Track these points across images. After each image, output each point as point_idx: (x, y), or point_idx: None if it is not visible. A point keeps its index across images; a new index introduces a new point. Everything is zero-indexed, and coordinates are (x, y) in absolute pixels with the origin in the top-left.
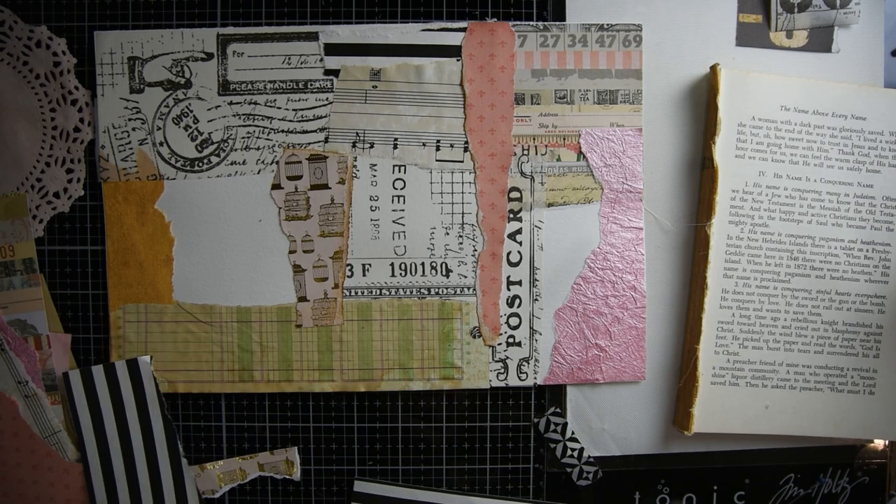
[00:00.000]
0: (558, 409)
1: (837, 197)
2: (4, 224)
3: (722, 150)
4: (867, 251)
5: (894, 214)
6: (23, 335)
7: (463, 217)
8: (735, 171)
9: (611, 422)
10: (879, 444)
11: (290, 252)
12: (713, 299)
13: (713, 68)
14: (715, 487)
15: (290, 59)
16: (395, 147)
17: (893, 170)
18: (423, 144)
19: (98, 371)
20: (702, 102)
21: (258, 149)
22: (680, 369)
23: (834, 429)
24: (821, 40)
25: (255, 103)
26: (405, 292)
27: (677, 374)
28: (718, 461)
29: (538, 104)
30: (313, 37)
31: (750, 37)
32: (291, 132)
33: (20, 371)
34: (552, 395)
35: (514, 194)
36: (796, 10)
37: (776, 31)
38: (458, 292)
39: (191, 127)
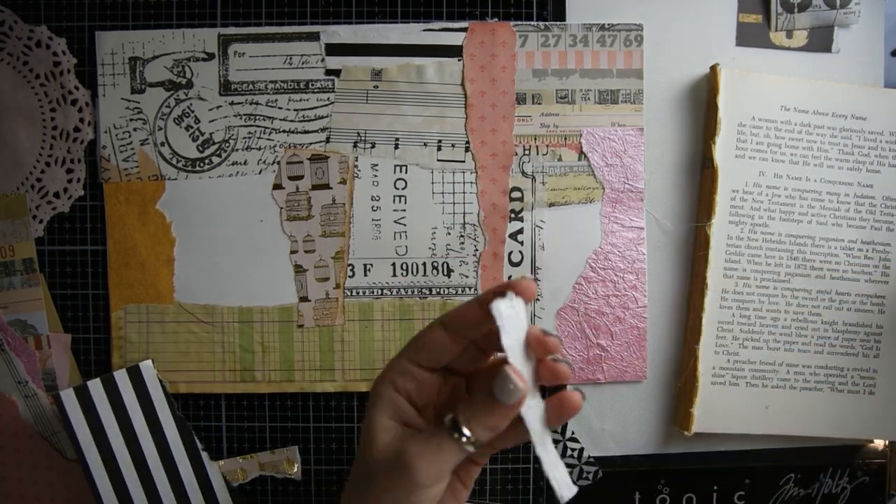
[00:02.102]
0: None
1: (837, 197)
2: (4, 224)
3: (722, 150)
4: (867, 251)
5: (894, 214)
6: (23, 335)
7: (464, 217)
8: (735, 171)
9: (611, 422)
10: (879, 444)
11: (292, 252)
12: (713, 299)
13: (713, 68)
14: (715, 487)
15: (291, 59)
16: (397, 147)
17: (893, 170)
18: (425, 144)
19: (95, 385)
20: (702, 102)
21: (259, 149)
22: (680, 369)
23: (834, 429)
24: (821, 40)
25: (257, 103)
26: (406, 292)
27: (677, 375)
28: (718, 461)
29: (539, 104)
30: (314, 37)
31: (750, 37)
32: (293, 132)
33: (20, 371)
34: (552, 394)
35: (516, 194)
36: (796, 10)
37: (776, 31)
38: (460, 292)
39: (192, 127)
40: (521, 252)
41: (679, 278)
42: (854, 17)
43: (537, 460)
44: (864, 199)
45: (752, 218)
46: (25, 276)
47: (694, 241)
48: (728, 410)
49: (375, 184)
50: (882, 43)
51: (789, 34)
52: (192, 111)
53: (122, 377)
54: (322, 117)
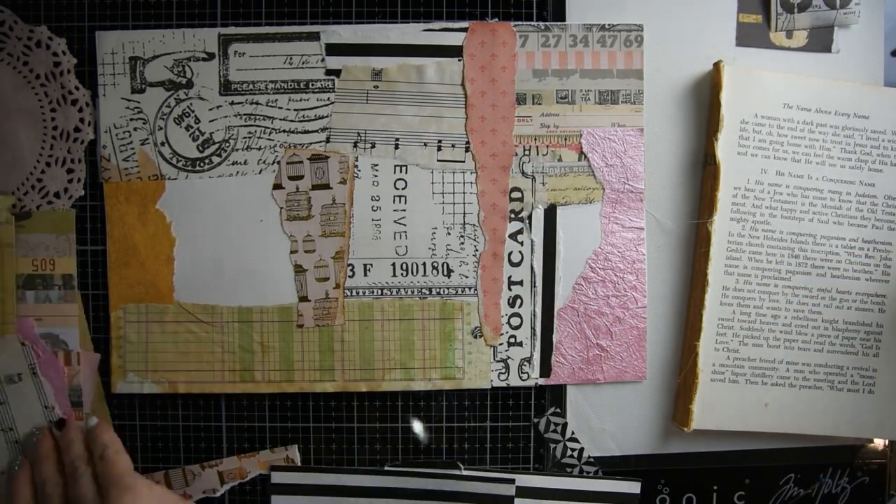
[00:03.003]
0: (558, 409)
1: (839, 195)
2: (49, 237)
3: (724, 147)
4: (868, 250)
5: (895, 213)
6: (53, 349)
7: (464, 217)
8: (737, 169)
9: (611, 422)
10: (879, 443)
11: (292, 252)
12: (714, 296)
13: (716, 65)
14: (715, 487)
15: (291, 59)
16: (397, 147)
17: (895, 169)
18: (425, 144)
19: None
20: (702, 101)
21: (259, 149)
22: (679, 367)
23: (833, 427)
24: (821, 40)
25: (257, 103)
26: (406, 292)
27: (677, 373)
28: (718, 461)
29: (540, 104)
30: (315, 37)
31: (750, 37)
32: (293, 132)
33: (48, 395)
34: (552, 395)
35: (516, 194)
36: (796, 10)
37: (776, 31)
38: (460, 292)
39: (192, 127)
40: (520, 252)
41: (679, 276)
42: (854, 17)
43: (538, 459)
44: (866, 197)
45: (754, 215)
46: (63, 292)
47: (695, 238)
48: (727, 407)
49: (375, 184)
50: (882, 43)
51: (789, 34)
52: (193, 111)
53: None
54: (322, 117)
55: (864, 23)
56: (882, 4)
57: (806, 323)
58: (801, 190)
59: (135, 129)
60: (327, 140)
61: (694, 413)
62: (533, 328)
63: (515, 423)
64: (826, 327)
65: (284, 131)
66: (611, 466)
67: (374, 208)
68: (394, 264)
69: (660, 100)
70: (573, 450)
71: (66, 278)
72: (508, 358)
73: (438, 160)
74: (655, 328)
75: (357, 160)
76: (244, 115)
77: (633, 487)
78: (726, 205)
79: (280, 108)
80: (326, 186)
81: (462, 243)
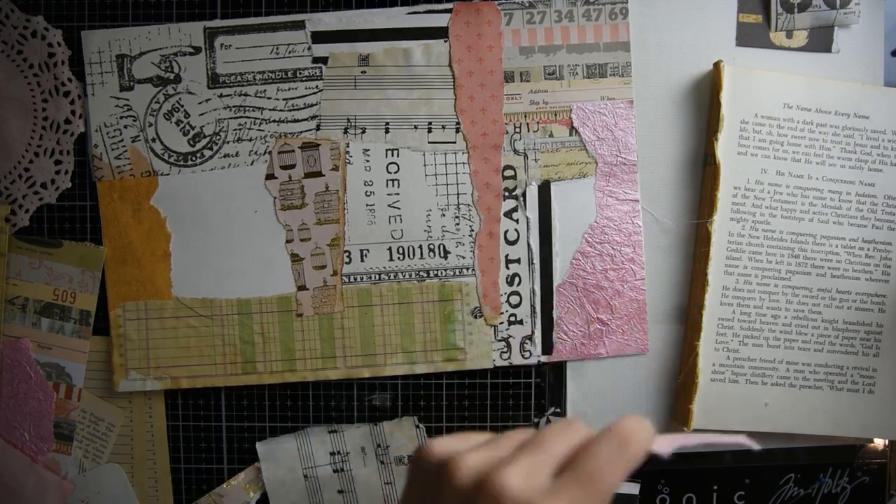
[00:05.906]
0: (558, 409)
1: (839, 195)
2: (75, 271)
3: (724, 147)
4: (868, 250)
5: (895, 213)
6: (55, 380)
7: (458, 198)
8: (737, 168)
9: (611, 421)
10: (879, 443)
11: (287, 241)
12: (714, 296)
13: (716, 65)
14: (715, 487)
15: (277, 48)
16: (387, 131)
17: (895, 169)
18: (415, 127)
19: None
20: (702, 102)
21: (250, 140)
22: (679, 366)
23: (833, 427)
24: (821, 40)
25: (246, 95)
26: (404, 276)
27: (677, 373)
28: (718, 461)
29: (528, 81)
30: (300, 25)
31: (750, 37)
32: (283, 122)
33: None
34: (552, 395)
35: (509, 172)
36: (796, 10)
37: (776, 31)
38: (457, 273)
39: (182, 121)
40: (516, 230)
41: (679, 276)
42: (854, 17)
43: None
44: (866, 197)
45: (754, 215)
46: (78, 327)
47: (695, 238)
48: (727, 407)
49: (368, 169)
50: (882, 43)
51: (789, 34)
52: (182, 105)
53: None
54: (311, 105)
55: (864, 23)
56: (882, 4)
57: (806, 323)
58: (801, 190)
59: (125, 126)
60: (317, 128)
61: (694, 413)
62: (533, 306)
63: (515, 423)
64: (826, 327)
65: (274, 121)
66: None
67: (368, 193)
68: (390, 248)
69: (659, 100)
70: None
71: (83, 314)
72: (510, 336)
73: (429, 142)
74: (654, 326)
75: (348, 146)
76: (233, 107)
77: (633, 488)
78: (726, 205)
79: (269, 98)
80: (319, 174)
81: (457, 224)
